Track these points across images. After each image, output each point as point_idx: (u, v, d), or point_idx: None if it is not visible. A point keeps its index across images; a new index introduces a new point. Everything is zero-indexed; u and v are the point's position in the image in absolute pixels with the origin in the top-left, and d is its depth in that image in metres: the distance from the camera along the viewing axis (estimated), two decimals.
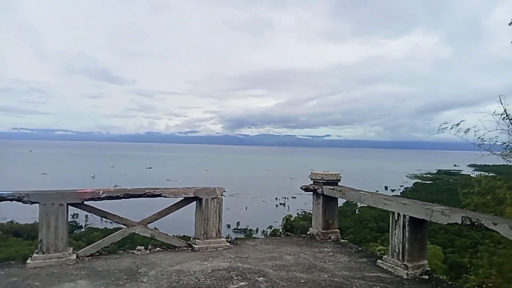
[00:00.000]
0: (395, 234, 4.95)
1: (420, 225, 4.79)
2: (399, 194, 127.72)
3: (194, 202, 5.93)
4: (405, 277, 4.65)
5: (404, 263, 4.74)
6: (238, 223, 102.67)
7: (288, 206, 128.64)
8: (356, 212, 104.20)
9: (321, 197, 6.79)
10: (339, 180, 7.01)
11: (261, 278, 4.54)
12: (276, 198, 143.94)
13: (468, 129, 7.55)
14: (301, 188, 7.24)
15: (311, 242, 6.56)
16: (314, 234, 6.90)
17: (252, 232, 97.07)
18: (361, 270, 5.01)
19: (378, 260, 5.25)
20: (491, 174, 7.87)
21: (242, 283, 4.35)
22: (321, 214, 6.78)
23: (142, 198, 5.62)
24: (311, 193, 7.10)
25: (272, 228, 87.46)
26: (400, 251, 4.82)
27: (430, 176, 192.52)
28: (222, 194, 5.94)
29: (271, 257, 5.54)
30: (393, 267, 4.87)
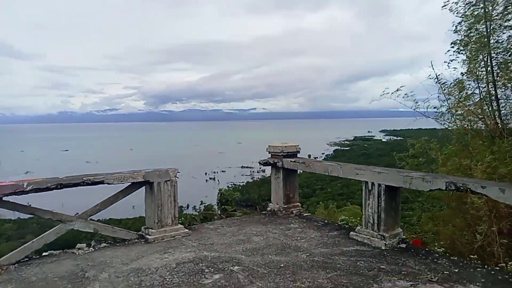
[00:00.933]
0: (368, 205, 4.80)
1: (394, 193, 4.69)
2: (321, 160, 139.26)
3: (143, 187, 5.28)
4: (383, 248, 4.54)
5: (381, 233, 4.62)
6: None
7: (218, 180, 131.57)
8: None
9: (281, 171, 6.51)
10: (298, 151, 6.75)
11: (236, 267, 4.03)
12: (206, 173, 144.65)
13: (406, 94, 7.79)
14: (259, 163, 6.93)
15: (274, 219, 6.26)
16: (276, 210, 6.67)
17: (183, 208, 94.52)
18: (337, 245, 4.80)
19: (352, 232, 5.09)
20: (424, 138, 8.29)
21: (217, 276, 3.79)
22: (282, 189, 6.52)
23: (79, 188, 4.63)
24: (269, 167, 6.80)
25: (203, 204, 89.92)
26: (375, 221, 4.69)
27: (348, 142, 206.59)
28: (176, 176, 5.38)
29: (238, 240, 5.06)
30: (369, 238, 4.74)
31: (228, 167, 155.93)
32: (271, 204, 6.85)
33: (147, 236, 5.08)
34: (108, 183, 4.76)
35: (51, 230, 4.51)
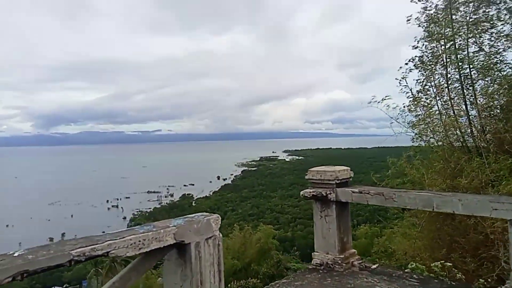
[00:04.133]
0: None
1: None
2: (230, 182, 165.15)
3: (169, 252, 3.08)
4: None
5: None
6: (63, 234, 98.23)
7: (122, 207, 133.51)
8: (193, 204, 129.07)
9: (333, 206, 5.01)
10: (351, 177, 5.27)
11: None
12: (107, 201, 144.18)
13: (388, 105, 9.18)
14: (303, 195, 5.18)
15: (335, 278, 4.65)
16: (329, 262, 4.99)
17: None
18: None
19: None
20: (408, 154, 8.93)
21: None
22: (336, 232, 5.00)
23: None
24: (313, 200, 5.25)
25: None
26: None
27: (255, 163, 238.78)
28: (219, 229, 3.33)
29: None
30: None
31: (133, 193, 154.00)
32: (317, 253, 5.22)
33: None
34: (117, 256, 2.57)
35: None
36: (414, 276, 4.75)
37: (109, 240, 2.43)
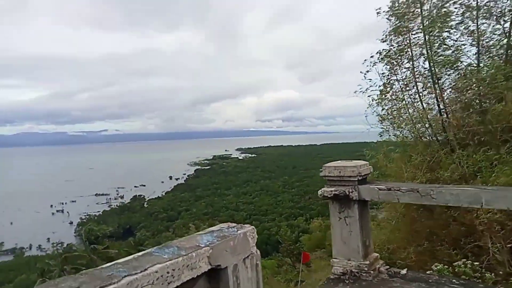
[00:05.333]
0: None
1: None
2: (183, 181, 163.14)
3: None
4: None
5: None
6: (1, 243, 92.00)
7: (68, 212, 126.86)
8: (145, 205, 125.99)
9: (355, 206, 4.42)
10: (371, 172, 4.79)
11: None
12: (51, 206, 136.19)
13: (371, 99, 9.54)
14: (322, 195, 4.63)
15: None
16: (354, 270, 4.40)
17: (25, 250, 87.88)
18: None
19: None
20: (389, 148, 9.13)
21: None
22: (359, 235, 4.39)
23: None
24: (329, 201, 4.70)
25: (52, 242, 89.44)
26: None
27: (208, 162, 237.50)
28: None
29: None
30: None
31: (79, 196, 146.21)
32: (336, 260, 4.59)
33: None
34: None
35: None
36: (454, 281, 4.35)
37: (127, 276, 1.66)
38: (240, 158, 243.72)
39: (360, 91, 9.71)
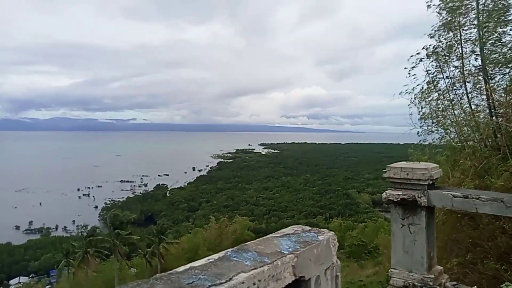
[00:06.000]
0: None
1: None
2: (205, 173, 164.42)
3: None
4: None
5: None
6: (30, 222, 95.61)
7: (93, 196, 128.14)
8: (167, 194, 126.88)
9: (423, 213, 3.92)
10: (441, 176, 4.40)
11: None
12: (78, 189, 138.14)
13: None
14: (387, 198, 4.13)
15: None
16: (417, 284, 3.90)
17: (51, 230, 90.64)
18: None
19: None
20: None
21: None
22: (425, 245, 3.89)
23: None
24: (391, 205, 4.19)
25: (77, 224, 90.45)
26: None
27: (231, 155, 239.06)
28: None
29: None
30: None
31: (105, 182, 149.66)
32: (396, 272, 4.07)
33: None
34: None
35: None
36: None
37: (211, 286, 1.41)
38: (263, 153, 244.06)
39: (406, 92, 9.13)
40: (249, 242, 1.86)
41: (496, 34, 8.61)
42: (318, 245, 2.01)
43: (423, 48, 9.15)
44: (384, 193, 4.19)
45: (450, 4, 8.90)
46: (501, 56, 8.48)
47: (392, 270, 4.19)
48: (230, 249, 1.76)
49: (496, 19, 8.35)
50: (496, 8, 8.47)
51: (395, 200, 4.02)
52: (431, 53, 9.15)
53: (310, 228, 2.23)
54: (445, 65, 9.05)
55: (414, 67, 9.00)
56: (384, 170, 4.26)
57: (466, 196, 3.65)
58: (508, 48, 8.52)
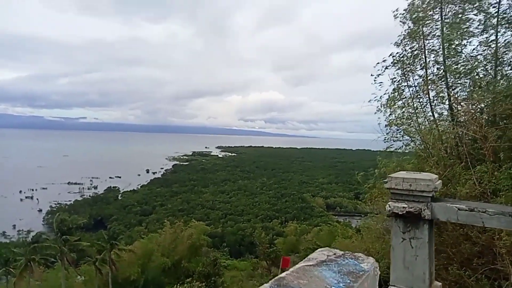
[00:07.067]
0: None
1: None
2: (160, 176, 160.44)
3: None
4: None
5: None
6: None
7: (37, 199, 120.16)
8: (119, 197, 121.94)
9: (426, 226, 3.74)
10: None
11: None
12: (21, 191, 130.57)
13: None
14: (391, 211, 3.87)
15: None
16: None
17: None
18: None
19: None
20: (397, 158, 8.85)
21: None
22: (427, 260, 3.75)
23: None
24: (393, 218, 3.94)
25: (19, 230, 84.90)
26: None
27: (187, 157, 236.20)
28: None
29: None
30: None
31: (51, 184, 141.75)
32: None
33: None
34: None
35: None
36: None
37: None
38: (220, 156, 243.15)
39: (375, 99, 9.37)
40: (284, 274, 1.51)
41: (457, 46, 8.87)
42: (367, 277, 1.72)
43: (390, 55, 9.33)
44: (388, 205, 3.96)
45: (414, 15, 9.10)
46: (461, 67, 8.73)
47: (391, 287, 4.05)
48: (267, 285, 1.43)
49: (456, 32, 8.61)
50: (457, 21, 8.74)
51: (399, 213, 3.82)
52: (397, 61, 9.27)
53: (343, 253, 1.89)
54: (410, 74, 9.25)
55: (379, 74, 9.18)
56: (385, 180, 4.08)
57: (472, 209, 3.54)
58: (467, 60, 8.81)
